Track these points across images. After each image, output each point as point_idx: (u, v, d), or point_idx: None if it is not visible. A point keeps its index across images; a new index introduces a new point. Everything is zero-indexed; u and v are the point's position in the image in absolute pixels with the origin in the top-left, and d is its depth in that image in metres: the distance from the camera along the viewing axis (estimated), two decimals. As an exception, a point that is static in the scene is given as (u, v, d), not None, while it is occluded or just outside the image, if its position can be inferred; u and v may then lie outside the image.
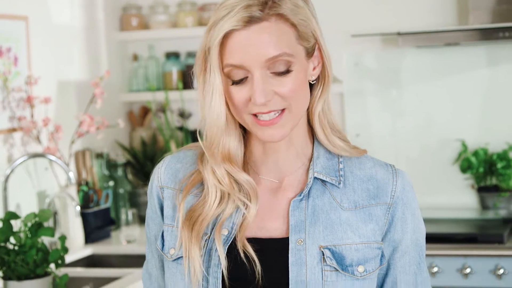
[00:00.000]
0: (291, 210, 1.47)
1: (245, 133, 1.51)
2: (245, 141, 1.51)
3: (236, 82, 1.42)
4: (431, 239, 3.12)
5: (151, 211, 1.57)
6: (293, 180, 1.50)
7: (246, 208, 1.46)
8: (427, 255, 3.12)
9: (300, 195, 1.47)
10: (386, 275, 1.52)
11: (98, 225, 3.54)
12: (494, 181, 3.57)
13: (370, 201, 1.49)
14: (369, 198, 1.49)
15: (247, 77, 1.41)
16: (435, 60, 3.67)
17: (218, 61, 1.41)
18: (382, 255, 1.49)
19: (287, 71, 1.41)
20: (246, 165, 1.50)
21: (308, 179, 1.48)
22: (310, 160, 1.51)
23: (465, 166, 3.57)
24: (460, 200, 3.65)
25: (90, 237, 3.49)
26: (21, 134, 3.29)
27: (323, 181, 1.49)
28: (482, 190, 3.56)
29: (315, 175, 1.48)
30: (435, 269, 3.10)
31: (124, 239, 3.54)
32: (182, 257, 1.48)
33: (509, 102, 3.59)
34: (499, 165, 3.49)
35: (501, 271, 3.03)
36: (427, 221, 3.58)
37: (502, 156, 3.51)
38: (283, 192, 1.50)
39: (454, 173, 3.66)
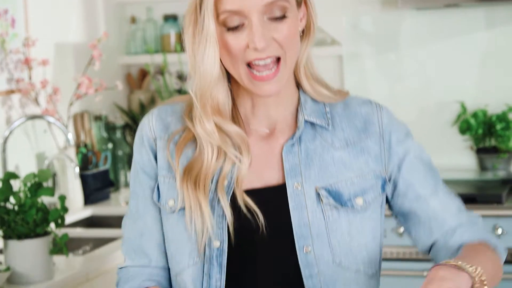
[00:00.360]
0: (284, 154, 1.49)
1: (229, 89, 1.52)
2: (232, 95, 1.52)
3: (231, 29, 1.42)
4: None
5: (145, 163, 1.54)
6: (284, 127, 1.52)
7: (239, 161, 1.47)
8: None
9: (292, 139, 1.50)
10: (406, 194, 1.53)
11: (97, 186, 3.54)
12: (493, 142, 3.57)
13: (360, 135, 1.52)
14: (358, 133, 1.52)
15: (243, 24, 1.41)
16: (434, 22, 3.65)
17: (213, 8, 1.41)
18: (384, 183, 1.52)
19: (283, 17, 1.43)
20: (235, 119, 1.51)
21: (299, 122, 1.50)
22: (298, 107, 1.53)
23: (464, 128, 3.57)
24: (459, 162, 3.65)
25: (89, 199, 3.50)
26: (19, 96, 3.28)
27: (312, 125, 1.51)
28: (481, 152, 3.57)
29: (305, 118, 1.50)
30: (434, 230, 3.11)
31: (123, 201, 3.54)
32: (180, 208, 1.48)
33: (508, 63, 3.58)
34: (498, 127, 3.49)
35: (500, 231, 3.04)
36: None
37: (501, 117, 3.51)
38: (275, 139, 1.52)
39: (453, 135, 3.66)
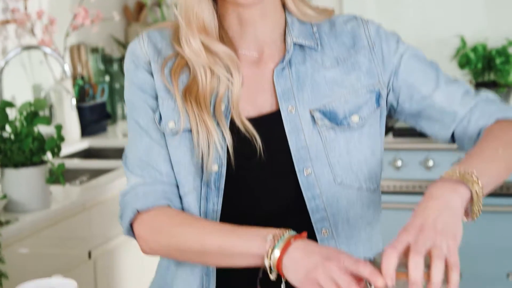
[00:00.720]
0: (276, 78, 1.48)
1: (216, 12, 1.50)
2: (219, 18, 1.50)
3: None
4: (428, 133, 3.13)
5: (142, 83, 1.51)
6: (273, 51, 1.51)
7: (231, 83, 1.46)
8: (422, 149, 3.14)
9: (282, 62, 1.48)
10: (411, 97, 1.52)
11: (94, 119, 3.53)
12: (492, 77, 3.55)
13: (349, 52, 1.51)
14: (347, 50, 1.51)
15: None
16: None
17: None
18: (378, 97, 1.51)
19: None
20: (224, 42, 1.49)
21: (287, 45, 1.49)
22: (285, 29, 1.51)
23: (464, 62, 3.55)
24: (457, 96, 3.64)
25: (86, 131, 3.49)
26: (15, 26, 3.25)
27: (301, 47, 1.50)
28: (480, 86, 3.55)
29: (294, 40, 1.49)
30: (431, 163, 3.11)
31: (120, 133, 3.54)
32: (182, 130, 1.47)
33: (509, -3, 3.55)
34: (498, 61, 3.47)
35: (497, 164, 3.05)
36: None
37: (501, 51, 3.48)
38: (264, 64, 1.50)
39: (452, 70, 3.63)
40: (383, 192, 3.15)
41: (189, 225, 1.42)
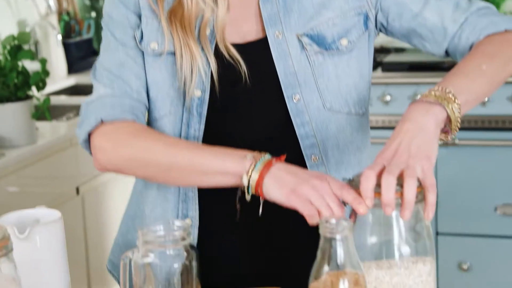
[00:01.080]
0: (262, 3, 1.45)
1: None
2: None
3: None
4: (416, 67, 3.11)
5: (127, 2, 1.46)
6: None
7: (215, 6, 1.43)
8: (411, 84, 3.13)
9: None
10: (401, 15, 1.48)
11: (80, 55, 3.50)
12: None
13: None
14: None
15: None
16: None
17: None
18: (366, 19, 1.48)
19: None
20: None
21: None
22: None
23: (454, -4, 3.52)
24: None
25: (72, 68, 3.46)
26: (-2, -40, 3.20)
27: None
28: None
29: None
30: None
31: (107, 70, 3.52)
32: (166, 53, 1.44)
33: None
34: (488, -6, 3.44)
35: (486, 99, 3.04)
36: (412, 51, 3.51)
37: (492, -16, 3.45)
38: None
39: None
40: (372, 127, 3.14)
41: (157, 140, 1.38)
